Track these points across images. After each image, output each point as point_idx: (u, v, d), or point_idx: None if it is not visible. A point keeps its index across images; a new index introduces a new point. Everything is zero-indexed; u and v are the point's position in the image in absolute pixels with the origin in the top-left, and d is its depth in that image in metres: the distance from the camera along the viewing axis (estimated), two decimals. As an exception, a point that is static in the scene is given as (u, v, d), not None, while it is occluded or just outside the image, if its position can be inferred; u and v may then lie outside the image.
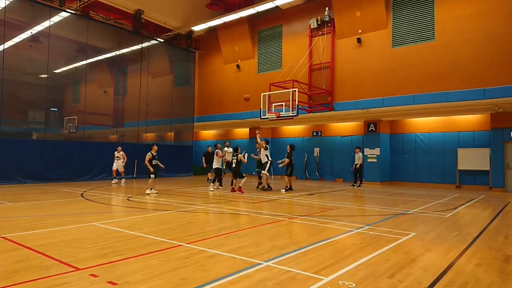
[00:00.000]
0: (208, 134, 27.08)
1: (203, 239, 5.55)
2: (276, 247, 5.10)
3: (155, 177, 11.83)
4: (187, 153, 23.26)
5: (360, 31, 17.04)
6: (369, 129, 18.48)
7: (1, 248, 4.89)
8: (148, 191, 11.86)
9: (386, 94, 16.07)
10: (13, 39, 16.59)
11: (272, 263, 4.27)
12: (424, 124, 17.93)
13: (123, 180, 16.23)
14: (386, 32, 16.44)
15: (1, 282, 3.52)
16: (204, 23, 21.09)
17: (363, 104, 16.69)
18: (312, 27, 18.51)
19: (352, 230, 6.35)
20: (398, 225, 6.99)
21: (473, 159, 16.05)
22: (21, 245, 5.02)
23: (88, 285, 3.51)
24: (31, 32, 17.09)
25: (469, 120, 16.64)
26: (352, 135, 20.12)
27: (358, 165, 15.90)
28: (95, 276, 3.75)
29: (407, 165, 18.27)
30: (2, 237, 5.46)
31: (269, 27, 20.80)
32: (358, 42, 17.08)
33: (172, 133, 23.91)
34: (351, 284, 3.60)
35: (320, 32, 18.40)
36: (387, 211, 8.93)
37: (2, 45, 15.67)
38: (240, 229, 6.56)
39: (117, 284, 3.53)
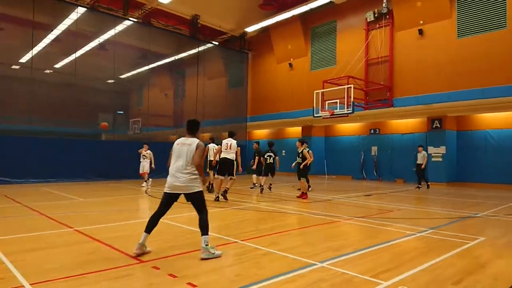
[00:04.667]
0: (261, 133, 27.32)
1: (257, 237, 5.61)
2: (331, 248, 5.00)
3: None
4: (241, 153, 23.67)
5: (421, 22, 16.06)
6: (433, 126, 17.31)
7: (74, 240, 5.38)
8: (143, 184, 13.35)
9: (452, 88, 14.95)
10: (83, 48, 18.16)
11: (327, 264, 4.19)
12: (495, 119, 16.35)
13: (150, 181, 13.92)
14: (451, 21, 15.30)
15: (74, 270, 3.87)
16: (257, 23, 21.30)
17: (426, 99, 15.69)
18: (368, 20, 17.83)
19: (414, 234, 6.00)
20: (465, 229, 6.47)
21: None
22: (92, 238, 5.48)
23: (151, 277, 3.73)
24: (99, 41, 18.57)
25: (548, 114, 14.88)
26: (414, 133, 18.97)
27: (423, 166, 14.70)
28: (157, 268, 3.98)
29: (476, 165, 16.81)
30: (76, 230, 5.99)
31: (323, 23, 20.42)
32: (419, 33, 16.11)
33: (227, 133, 24.50)
34: (412, 290, 3.42)
35: (377, 25, 17.66)
36: (453, 213, 8.31)
37: (75, 54, 17.22)
38: (294, 229, 6.54)
39: (177, 277, 3.71)
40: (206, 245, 4.45)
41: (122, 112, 21.05)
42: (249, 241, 5.31)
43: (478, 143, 16.82)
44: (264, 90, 23.91)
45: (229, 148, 10.46)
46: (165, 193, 4.77)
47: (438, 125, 17.12)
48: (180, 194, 4.71)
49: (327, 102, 16.16)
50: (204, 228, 4.56)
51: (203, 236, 4.51)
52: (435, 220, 7.35)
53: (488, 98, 13.99)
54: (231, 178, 10.35)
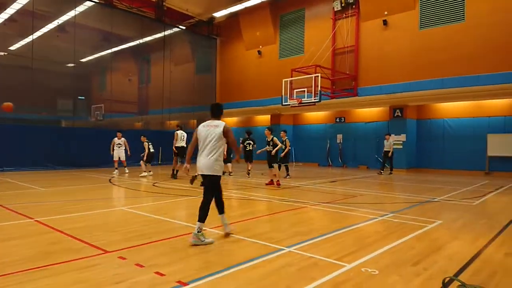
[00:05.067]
0: (229, 121, 27.19)
1: (226, 225, 5.63)
2: (298, 233, 5.12)
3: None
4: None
5: (386, 12, 16.48)
6: (395, 115, 18.01)
7: (35, 231, 5.15)
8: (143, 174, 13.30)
9: (413, 78, 15.56)
10: (41, 30, 17.08)
11: (294, 249, 4.30)
12: (452, 109, 17.28)
13: (127, 169, 14.49)
14: (414, 13, 15.82)
15: (36, 262, 3.72)
16: (226, 8, 20.96)
17: (389, 88, 16.24)
18: (336, 9, 18.06)
19: (376, 218, 6.28)
20: (424, 213, 6.85)
21: (504, 145, 15.40)
22: (53, 228, 5.27)
23: (117, 267, 3.66)
24: (58, 22, 17.53)
25: (500, 105, 15.89)
26: (377, 121, 19.67)
27: (390, 153, 15.52)
28: (123, 258, 3.90)
29: (434, 152, 17.74)
30: (36, 221, 5.74)
31: (292, 11, 20.44)
32: (384, 24, 16.55)
33: (195, 121, 24.17)
34: (374, 271, 3.59)
35: (344, 15, 17.92)
36: (412, 198, 8.76)
37: (31, 35, 16.17)
38: (262, 215, 6.63)
39: (144, 266, 3.66)
40: (225, 223, 4.92)
41: (83, 97, 20.12)
42: (217, 228, 5.32)
43: (437, 131, 17.73)
44: (232, 77, 23.71)
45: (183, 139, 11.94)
46: (198, 175, 5.02)
47: (399, 114, 17.83)
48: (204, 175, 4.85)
49: (295, 90, 16.30)
50: (219, 208, 4.97)
51: (219, 215, 4.95)
52: (396, 205, 7.71)
53: (447, 88, 14.69)
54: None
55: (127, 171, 14.46)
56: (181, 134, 12.96)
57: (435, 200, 8.50)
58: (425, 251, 4.34)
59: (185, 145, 12.86)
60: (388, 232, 5.25)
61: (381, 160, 16.51)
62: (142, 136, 13.70)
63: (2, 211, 6.51)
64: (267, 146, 11.18)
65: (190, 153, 5.11)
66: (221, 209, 4.99)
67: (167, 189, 9.97)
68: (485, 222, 6.06)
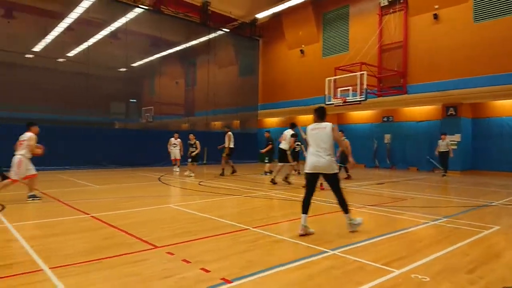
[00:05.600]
0: (272, 121, 27.22)
1: (269, 224, 5.65)
2: (343, 236, 5.00)
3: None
4: (252, 141, 23.73)
5: (437, 6, 15.62)
6: (448, 113, 16.96)
7: (91, 226, 5.51)
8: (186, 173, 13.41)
9: (468, 75, 14.59)
10: (95, 37, 18.24)
11: (339, 252, 4.20)
12: (512, 106, 15.96)
13: (179, 168, 15.40)
14: (467, 5, 14.85)
15: (91, 255, 3.98)
16: (268, 9, 21.01)
17: (441, 85, 15.37)
18: (382, 5, 17.44)
19: (428, 222, 5.96)
20: (480, 218, 6.39)
21: None
22: (107, 223, 5.60)
23: (165, 262, 3.80)
24: (111, 29, 18.62)
25: None
26: (428, 120, 18.64)
27: (450, 153, 14.47)
28: (171, 254, 4.05)
29: (492, 153, 16.46)
30: (91, 216, 6.13)
31: (335, 8, 20.05)
32: (434, 18, 15.70)
33: (238, 121, 24.51)
34: (425, 278, 3.41)
35: (391, 10, 17.25)
36: (467, 202, 8.21)
37: (87, 42, 17.32)
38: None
39: (191, 262, 3.77)
40: (349, 221, 5.14)
41: (134, 100, 21.23)
42: (260, 228, 5.35)
43: (494, 131, 16.44)
44: (275, 78, 23.74)
45: (283, 138, 11.52)
46: (307, 173, 5.23)
47: (453, 112, 16.77)
48: (320, 174, 5.17)
49: (339, 89, 15.96)
50: (344, 206, 5.19)
51: (346, 215, 5.18)
52: (449, 209, 7.28)
53: (505, 85, 13.61)
54: (283, 165, 11.24)
55: (177, 170, 15.30)
56: (231, 135, 14.04)
57: (493, 204, 7.90)
58: (481, 258, 4.05)
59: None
60: (440, 237, 4.97)
61: (433, 162, 15.50)
62: (191, 135, 13.72)
63: (61, 207, 7.04)
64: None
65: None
66: (345, 208, 5.26)
67: (212, 188, 10.20)
68: (553, 230, 5.53)
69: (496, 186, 11.58)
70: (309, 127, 5.36)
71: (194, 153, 13.48)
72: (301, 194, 9.03)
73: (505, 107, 16.19)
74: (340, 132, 11.62)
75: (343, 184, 11.26)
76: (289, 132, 11.59)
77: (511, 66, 13.42)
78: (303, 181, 10.84)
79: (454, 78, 15.02)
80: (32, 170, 7.59)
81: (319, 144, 5.14)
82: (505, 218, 6.41)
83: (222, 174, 13.90)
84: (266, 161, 14.56)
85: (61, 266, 3.60)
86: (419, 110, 19.05)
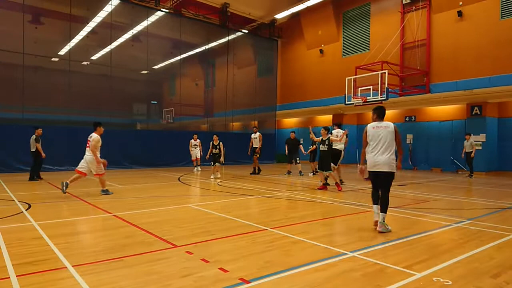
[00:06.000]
0: (290, 122, 27.12)
1: (287, 225, 5.63)
2: (363, 238, 4.93)
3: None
4: (270, 141, 23.68)
5: (461, 3, 15.18)
6: (473, 113, 16.45)
7: (113, 224, 5.64)
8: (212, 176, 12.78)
9: (494, 73, 14.10)
10: (118, 40, 18.68)
11: (358, 254, 4.15)
12: (543, 105, 15.31)
13: (200, 167, 16.35)
14: (494, 1, 14.35)
15: (113, 254, 4.08)
16: (287, 9, 20.95)
17: (466, 84, 14.91)
18: (404, 2, 17.10)
19: (451, 225, 5.80)
20: (506, 220, 6.17)
21: None
22: (128, 222, 5.72)
23: (184, 261, 3.85)
24: (132, 32, 19.01)
25: None
26: (452, 120, 18.14)
27: (472, 154, 14.17)
28: (190, 253, 4.10)
29: (519, 153, 15.86)
30: (114, 215, 6.28)
31: (356, 6, 19.78)
32: (459, 15, 15.26)
33: (256, 122, 24.53)
34: (447, 282, 3.32)
35: (413, 7, 16.88)
36: (492, 204, 7.93)
37: (110, 45, 17.76)
38: (325, 218, 6.50)
39: (209, 262, 3.81)
40: (383, 221, 5.19)
41: (155, 102, 21.60)
42: (278, 229, 5.35)
43: (522, 131, 15.84)
44: (294, 78, 23.64)
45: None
46: (370, 172, 5.46)
47: (478, 112, 16.25)
48: (380, 172, 5.30)
49: (359, 88, 15.73)
50: (385, 205, 5.25)
51: (382, 213, 5.21)
52: (473, 211, 7.06)
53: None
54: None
55: (199, 170, 16.12)
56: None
57: (522, 207, 7.61)
58: (507, 262, 3.91)
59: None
60: (464, 240, 4.82)
61: (457, 163, 15.08)
62: (215, 136, 13.18)
63: (85, 206, 7.24)
64: (321, 145, 10.13)
65: (363, 154, 5.65)
66: (385, 208, 5.33)
67: (231, 188, 10.26)
68: None
69: (525, 188, 11.14)
70: (370, 126, 5.48)
71: (220, 157, 12.76)
72: (319, 195, 9.00)
73: (534, 106, 15.57)
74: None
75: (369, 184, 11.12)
76: (339, 131, 11.32)
77: (540, 63, 12.88)
78: (315, 182, 10.74)
79: (479, 77, 14.54)
80: (103, 169, 8.86)
81: (381, 143, 5.31)
82: (534, 222, 6.16)
83: (254, 173, 14.77)
84: (298, 161, 14.56)
85: (84, 264, 3.71)
86: (443, 110, 18.56)
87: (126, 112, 20.22)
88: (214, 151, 12.80)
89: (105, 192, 8.89)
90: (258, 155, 14.91)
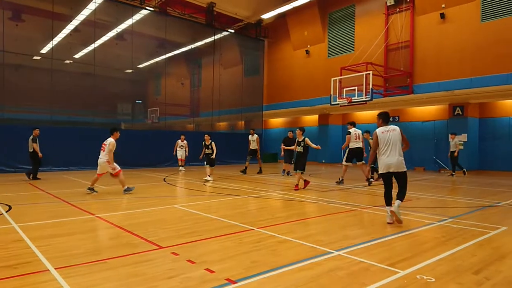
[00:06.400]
0: (276, 122, 27.22)
1: (274, 225, 5.64)
2: (348, 236, 4.98)
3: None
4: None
5: (443, 5, 15.51)
6: (455, 113, 16.84)
7: (96, 226, 5.55)
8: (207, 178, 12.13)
9: (475, 74, 14.46)
10: (101, 38, 18.37)
11: (344, 253, 4.19)
12: (521, 106, 15.79)
13: (184, 168, 16.59)
14: (475, 4, 14.71)
15: (96, 256, 4.01)
16: (273, 10, 20.99)
17: (448, 85, 15.25)
18: (388, 4, 17.36)
19: (433, 223, 5.92)
20: (487, 218, 6.33)
21: None
22: (113, 224, 5.63)
23: (170, 262, 3.82)
24: (117, 31, 18.73)
25: None
26: (434, 120, 18.53)
27: (456, 153, 14.51)
28: (176, 254, 4.07)
29: (499, 153, 16.31)
30: (97, 217, 6.17)
31: (341, 8, 19.99)
32: (441, 17, 15.59)
33: (243, 122, 24.52)
34: (431, 279, 3.38)
35: (397, 9, 17.16)
36: (474, 202, 8.13)
37: (93, 44, 17.45)
38: (310, 217, 6.54)
39: (195, 262, 3.78)
40: (398, 209, 5.61)
41: (140, 101, 21.34)
42: (265, 228, 5.35)
43: (502, 131, 16.31)
44: (280, 78, 23.73)
45: (358, 137, 11.44)
46: (384, 173, 5.84)
47: (460, 112, 16.65)
48: (393, 172, 5.76)
49: (344, 89, 15.91)
50: (402, 196, 5.78)
51: (399, 202, 5.68)
52: (455, 209, 7.22)
53: (513, 84, 13.48)
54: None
55: (183, 170, 16.24)
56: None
57: (499, 204, 7.82)
58: (487, 259, 4.01)
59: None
60: (446, 238, 4.93)
61: (440, 162, 15.45)
62: (206, 136, 12.53)
63: (67, 207, 7.09)
64: (297, 147, 10.08)
65: (372, 156, 6.19)
66: (402, 197, 5.83)
67: (217, 189, 10.22)
68: (561, 231, 5.45)
69: (503, 186, 11.46)
70: (380, 130, 5.88)
71: (212, 157, 12.22)
72: (307, 195, 9.05)
73: (512, 106, 16.05)
74: (366, 133, 11.95)
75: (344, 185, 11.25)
76: (356, 130, 11.54)
77: (519, 65, 13.27)
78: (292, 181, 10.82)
79: (461, 78, 14.89)
80: (117, 167, 9.18)
81: (391, 146, 5.73)
82: (513, 219, 6.34)
83: (260, 172, 15.26)
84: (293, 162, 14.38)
85: (66, 267, 3.63)
86: (426, 110, 18.95)
87: (110, 112, 19.90)
88: (207, 151, 12.33)
89: (128, 190, 9.07)
90: (259, 155, 15.61)
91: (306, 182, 10.32)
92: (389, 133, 5.81)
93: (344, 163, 11.77)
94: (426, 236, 5.12)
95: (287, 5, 20.16)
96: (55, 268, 3.56)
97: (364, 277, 3.45)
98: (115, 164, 9.22)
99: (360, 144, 11.40)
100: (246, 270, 3.59)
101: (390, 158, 5.72)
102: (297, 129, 10.34)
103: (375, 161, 10.99)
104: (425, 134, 18.65)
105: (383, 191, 6.01)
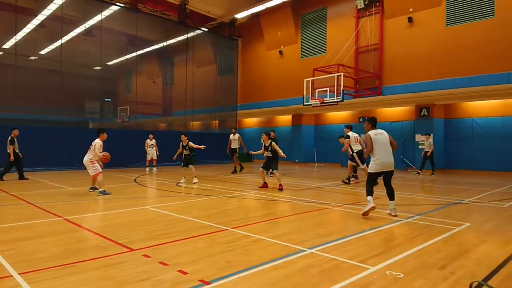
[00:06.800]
0: (251, 121, 27.28)
1: (248, 225, 5.65)
2: (320, 234, 5.07)
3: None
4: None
5: (411, 9, 16.08)
6: (421, 114, 17.52)
7: (63, 229, 5.34)
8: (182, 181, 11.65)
9: (440, 76, 15.10)
10: (69, 34, 17.67)
11: (316, 251, 4.26)
12: (481, 108, 16.64)
13: (155, 168, 16.20)
14: (440, 9, 15.36)
15: (64, 259, 3.86)
16: (247, 10, 21.01)
17: (415, 87, 15.83)
18: (359, 7, 17.77)
19: (401, 220, 6.13)
20: (451, 215, 6.63)
21: (538, 145, 14.70)
22: (80, 226, 5.44)
23: (142, 265, 3.73)
24: (85, 27, 18.09)
25: (533, 103, 15.20)
26: (402, 121, 19.19)
27: (429, 153, 15.13)
28: (147, 256, 3.98)
29: (463, 152, 17.14)
30: (64, 219, 5.94)
31: (313, 10, 20.29)
32: (409, 21, 16.15)
33: (217, 121, 24.38)
34: (399, 275, 3.50)
35: (367, 13, 17.61)
36: (439, 200, 8.49)
37: (60, 40, 16.77)
38: (284, 216, 6.60)
39: (168, 264, 3.72)
40: (394, 207, 6.44)
41: (109, 99, 20.70)
42: (239, 228, 5.35)
43: (465, 131, 17.13)
44: (254, 78, 23.78)
45: (357, 140, 11.56)
46: (377, 172, 6.40)
47: (426, 113, 17.34)
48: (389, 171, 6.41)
49: (317, 90, 16.16)
50: (392, 194, 6.48)
51: (392, 201, 6.46)
52: (422, 207, 7.50)
53: (475, 86, 14.18)
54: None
55: (155, 170, 15.96)
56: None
57: (463, 202, 8.21)
58: (452, 254, 4.20)
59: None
60: (414, 235, 5.11)
61: (406, 161, 16.07)
62: (183, 136, 11.81)
63: (32, 210, 6.79)
64: (266, 151, 10.00)
65: (366, 157, 6.59)
66: (392, 196, 6.52)
67: (190, 189, 10.11)
68: (518, 226, 5.79)
69: (467, 184, 12.04)
70: (372, 133, 6.43)
71: (192, 159, 11.68)
72: (278, 194, 9.12)
73: (475, 108, 16.89)
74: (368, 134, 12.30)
75: (319, 184, 11.45)
76: (353, 134, 11.64)
77: (481, 69, 13.97)
78: (276, 182, 10.91)
79: (426, 80, 15.50)
80: (98, 168, 9.05)
81: (384, 147, 6.34)
82: (475, 216, 6.68)
83: (235, 172, 15.42)
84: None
85: (32, 271, 3.47)
86: (394, 111, 19.60)
87: (77, 110, 19.18)
88: (185, 152, 11.64)
89: (103, 192, 8.80)
90: (237, 155, 15.63)
91: (264, 185, 10.33)
92: (381, 136, 6.38)
93: (361, 166, 11.37)
94: (395, 233, 5.29)
95: (261, 5, 20.24)
96: (19, 274, 3.39)
97: (336, 274, 3.52)
98: (98, 165, 9.12)
99: (360, 147, 11.38)
100: (220, 270, 3.57)
101: (387, 159, 6.32)
102: (263, 134, 10.17)
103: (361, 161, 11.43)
104: (393, 134, 18.85)
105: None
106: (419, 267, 3.73)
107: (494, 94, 14.96)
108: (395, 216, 6.30)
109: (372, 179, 6.48)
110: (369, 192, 6.32)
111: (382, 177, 6.54)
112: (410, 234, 5.16)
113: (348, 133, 11.66)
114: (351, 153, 11.55)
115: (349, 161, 11.72)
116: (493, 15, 13.94)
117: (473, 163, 16.68)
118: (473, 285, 3.04)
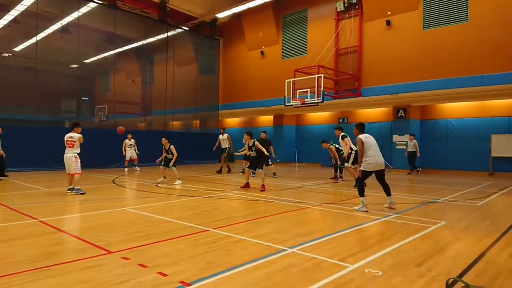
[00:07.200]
0: (232, 121, 27.22)
1: (229, 225, 5.64)
2: (301, 234, 5.11)
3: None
4: (212, 141, 23.52)
5: (389, 12, 16.43)
6: (398, 115, 17.95)
7: (39, 231, 5.18)
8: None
9: (417, 79, 15.50)
10: (45, 31, 17.14)
11: (297, 250, 4.29)
12: (456, 109, 17.22)
13: (138, 167, 16.30)
14: (417, 13, 15.76)
15: (40, 262, 3.74)
16: (228, 9, 20.95)
17: (392, 89, 16.19)
18: (338, 10, 18.01)
19: (379, 218, 6.26)
20: (427, 214, 6.82)
21: (508, 146, 15.31)
22: (57, 228, 5.29)
23: (120, 267, 3.66)
24: (62, 23, 17.59)
25: (504, 105, 15.80)
26: (380, 122, 19.61)
27: (417, 153, 15.96)
28: (126, 259, 3.91)
29: (438, 152, 17.67)
30: (40, 221, 5.77)
31: (294, 11, 20.42)
32: (387, 24, 16.50)
33: (198, 121, 24.20)
34: (378, 272, 3.57)
35: (347, 15, 17.89)
36: (416, 199, 8.72)
37: (35, 37, 16.25)
38: (265, 216, 6.62)
39: (148, 266, 3.67)
40: (391, 202, 7.12)
41: (86, 98, 20.18)
42: (220, 229, 5.33)
43: (440, 132, 17.66)
44: (236, 78, 23.73)
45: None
46: (369, 171, 6.97)
47: (403, 115, 17.77)
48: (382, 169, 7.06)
49: (298, 91, 16.28)
50: (388, 191, 7.13)
51: (389, 197, 7.14)
52: (399, 206, 7.68)
53: (451, 88, 14.63)
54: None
55: (138, 169, 16.10)
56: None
57: (439, 200, 8.46)
58: (428, 252, 4.32)
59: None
60: (391, 233, 5.23)
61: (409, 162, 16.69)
62: (164, 139, 11.50)
63: (6, 212, 6.55)
64: (250, 151, 10.17)
65: (361, 160, 7.07)
66: (389, 192, 7.17)
67: (170, 190, 10.00)
68: (489, 223, 6.02)
69: (442, 183, 12.41)
70: (363, 136, 7.10)
71: (172, 162, 11.27)
72: (259, 194, 9.14)
73: (450, 109, 17.45)
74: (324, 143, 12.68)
75: (308, 182, 11.55)
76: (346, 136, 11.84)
77: (455, 72, 14.42)
78: (258, 181, 10.95)
79: (404, 82, 15.87)
80: (80, 167, 9.07)
81: (375, 149, 6.99)
82: (450, 214, 6.89)
83: (220, 172, 15.47)
84: (270, 163, 13.80)
85: (4, 276, 3.35)
86: (372, 112, 20.01)
87: (53, 109, 18.61)
88: (168, 156, 11.46)
89: (78, 191, 8.79)
90: (226, 155, 15.65)
91: (246, 185, 10.37)
92: (370, 139, 7.10)
93: (349, 165, 11.34)
94: (373, 231, 5.40)
95: (242, 6, 20.22)
96: (-9, 279, 3.27)
97: (316, 272, 3.56)
98: (79, 163, 9.13)
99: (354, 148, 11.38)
100: (201, 271, 3.55)
101: (379, 159, 6.99)
102: (245, 134, 10.21)
103: (343, 161, 11.63)
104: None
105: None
106: (396, 265, 3.82)
107: (468, 96, 15.48)
108: (394, 208, 7.01)
109: (364, 177, 7.02)
110: (361, 192, 6.91)
111: (375, 176, 7.09)
112: (388, 232, 5.28)
113: (342, 134, 11.82)
114: (346, 154, 11.51)
115: (345, 164, 11.46)
116: (467, 19, 14.42)
117: (448, 163, 17.22)
118: (449, 282, 3.13)
